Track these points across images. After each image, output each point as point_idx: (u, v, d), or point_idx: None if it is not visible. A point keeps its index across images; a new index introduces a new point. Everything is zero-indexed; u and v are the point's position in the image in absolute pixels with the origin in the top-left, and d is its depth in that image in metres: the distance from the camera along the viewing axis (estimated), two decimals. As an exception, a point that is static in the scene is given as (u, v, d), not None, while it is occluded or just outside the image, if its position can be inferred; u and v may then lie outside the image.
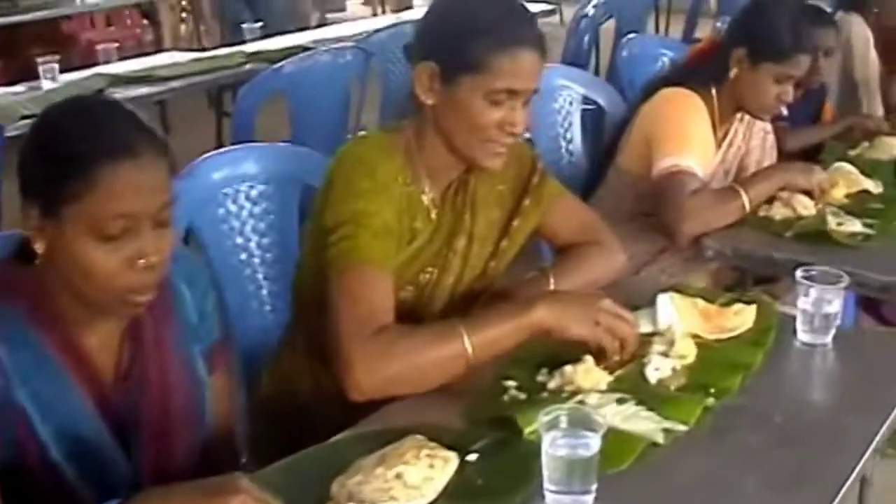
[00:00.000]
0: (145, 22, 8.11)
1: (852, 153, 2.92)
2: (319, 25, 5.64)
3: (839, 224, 2.26)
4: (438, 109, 1.67)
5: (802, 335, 1.71)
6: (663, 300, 1.72)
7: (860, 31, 3.54)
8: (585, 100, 3.00)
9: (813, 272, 1.73)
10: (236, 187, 2.10)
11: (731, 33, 2.54)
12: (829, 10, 3.40)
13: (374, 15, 8.32)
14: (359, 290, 1.56)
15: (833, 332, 1.70)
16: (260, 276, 2.14)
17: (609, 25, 5.03)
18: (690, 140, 2.40)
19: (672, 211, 2.33)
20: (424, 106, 1.68)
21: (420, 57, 1.68)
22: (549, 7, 5.38)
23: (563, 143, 2.92)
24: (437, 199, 1.76)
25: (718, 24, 3.75)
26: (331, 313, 1.55)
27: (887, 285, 2.06)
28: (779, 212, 2.35)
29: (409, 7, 8.02)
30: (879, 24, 3.61)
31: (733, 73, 2.45)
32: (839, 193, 2.45)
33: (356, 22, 5.54)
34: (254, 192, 2.13)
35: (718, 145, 2.55)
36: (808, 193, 2.41)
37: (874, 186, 2.53)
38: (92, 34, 7.47)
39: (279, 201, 2.16)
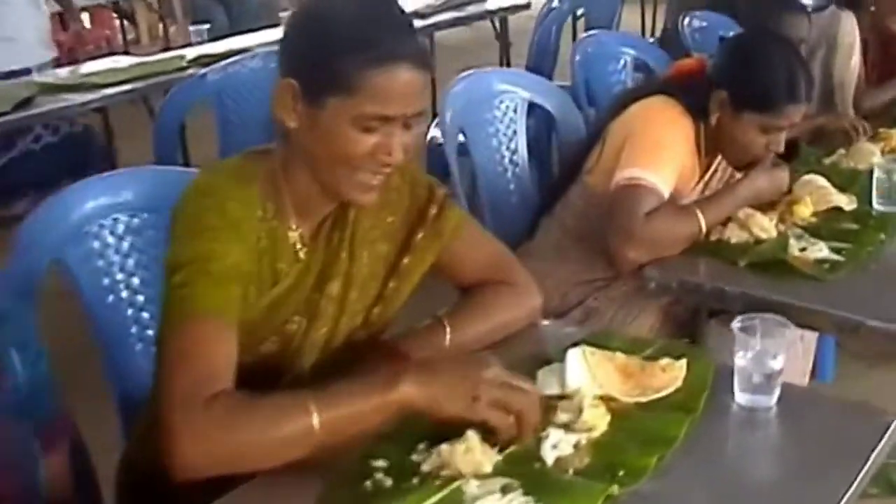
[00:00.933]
0: (120, 23, 7.93)
1: (827, 161, 2.64)
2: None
3: (802, 249, 1.97)
4: (302, 133, 1.42)
5: (740, 396, 1.43)
6: (573, 356, 1.44)
7: (850, 31, 3.30)
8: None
9: (754, 320, 1.45)
10: (114, 217, 1.86)
11: (714, 71, 2.23)
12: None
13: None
14: (193, 348, 1.31)
15: (777, 392, 1.42)
16: (145, 315, 1.88)
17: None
18: (662, 153, 2.13)
19: (619, 232, 2.06)
20: (289, 129, 1.43)
21: (282, 71, 1.42)
22: (523, 1, 5.13)
23: (507, 155, 2.63)
24: (308, 236, 1.50)
25: (685, 21, 3.50)
26: (159, 373, 1.32)
27: (856, 324, 1.76)
28: (734, 234, 2.06)
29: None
30: (874, 23, 3.42)
31: (714, 117, 2.16)
32: (805, 211, 2.16)
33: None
34: (136, 222, 1.88)
35: (702, 174, 2.27)
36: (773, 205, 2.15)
37: (847, 202, 2.24)
38: (62, 36, 7.26)
39: (166, 231, 1.90)
